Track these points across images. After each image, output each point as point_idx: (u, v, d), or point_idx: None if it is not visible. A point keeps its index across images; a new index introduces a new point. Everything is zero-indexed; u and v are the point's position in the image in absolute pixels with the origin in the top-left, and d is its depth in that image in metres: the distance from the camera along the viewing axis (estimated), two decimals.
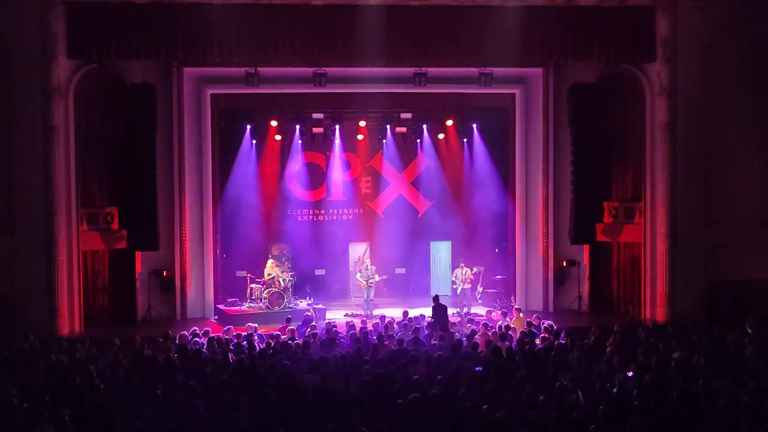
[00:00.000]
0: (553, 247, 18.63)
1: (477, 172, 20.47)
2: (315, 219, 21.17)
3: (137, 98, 17.17)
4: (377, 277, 18.55)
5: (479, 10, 16.33)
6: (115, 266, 17.60)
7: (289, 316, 15.50)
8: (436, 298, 15.32)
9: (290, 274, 18.80)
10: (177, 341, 12.94)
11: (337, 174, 21.00)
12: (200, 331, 14.02)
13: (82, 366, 11.19)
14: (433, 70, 17.43)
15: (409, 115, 20.00)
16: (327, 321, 16.20)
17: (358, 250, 20.77)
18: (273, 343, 12.74)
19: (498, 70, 17.61)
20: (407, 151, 21.21)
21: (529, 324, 14.44)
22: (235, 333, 13.76)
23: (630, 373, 10.42)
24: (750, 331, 12.77)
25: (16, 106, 15.78)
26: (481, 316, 16.18)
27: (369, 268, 18.69)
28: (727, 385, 9.52)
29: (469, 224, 20.37)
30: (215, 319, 17.95)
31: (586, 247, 18.47)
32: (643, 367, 10.60)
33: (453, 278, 18.87)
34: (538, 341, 12.88)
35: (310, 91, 17.78)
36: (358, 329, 14.10)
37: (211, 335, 13.55)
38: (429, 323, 14.53)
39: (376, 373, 10.18)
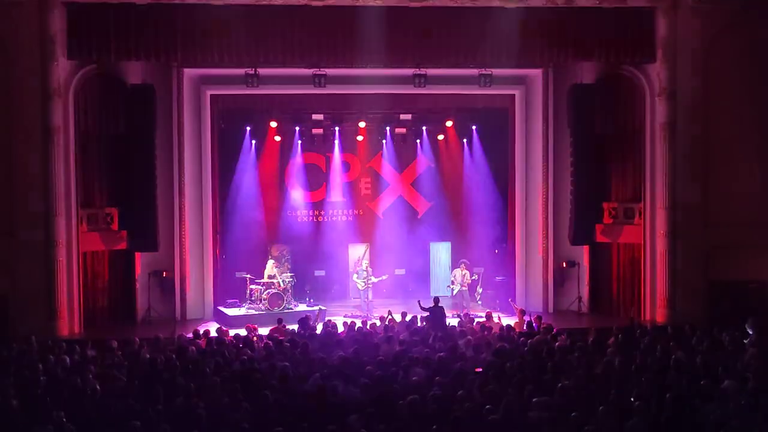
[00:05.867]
0: (552, 248, 18.62)
1: (476, 173, 20.49)
2: (315, 220, 21.18)
3: (137, 99, 17.16)
4: (374, 278, 18.55)
5: (479, 11, 16.35)
6: (114, 267, 17.62)
7: (281, 317, 15.43)
8: (436, 300, 15.29)
9: (290, 275, 18.78)
10: (176, 342, 12.91)
11: (337, 175, 21.02)
12: (200, 331, 14.01)
13: (82, 367, 11.17)
14: (432, 71, 17.42)
15: (408, 116, 20.02)
16: (326, 321, 16.18)
17: (357, 251, 20.78)
18: (272, 344, 12.71)
19: (497, 71, 17.60)
20: (407, 152, 21.24)
21: (529, 325, 14.43)
22: (234, 334, 13.74)
23: (630, 374, 10.42)
24: (750, 332, 12.78)
25: (16, 107, 15.79)
26: (481, 317, 16.15)
27: (366, 269, 18.67)
28: (726, 386, 9.52)
29: (468, 225, 20.39)
30: (215, 320, 17.92)
31: (585, 248, 18.46)
32: (642, 368, 10.60)
33: (452, 278, 18.86)
34: (538, 342, 12.85)
35: (309, 92, 17.76)
36: (357, 330, 14.08)
37: (211, 336, 13.55)
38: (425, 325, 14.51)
39: (376, 374, 10.18)
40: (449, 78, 18.03)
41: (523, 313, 15.79)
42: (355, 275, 19.02)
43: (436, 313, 14.66)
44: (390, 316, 15.28)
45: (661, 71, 16.81)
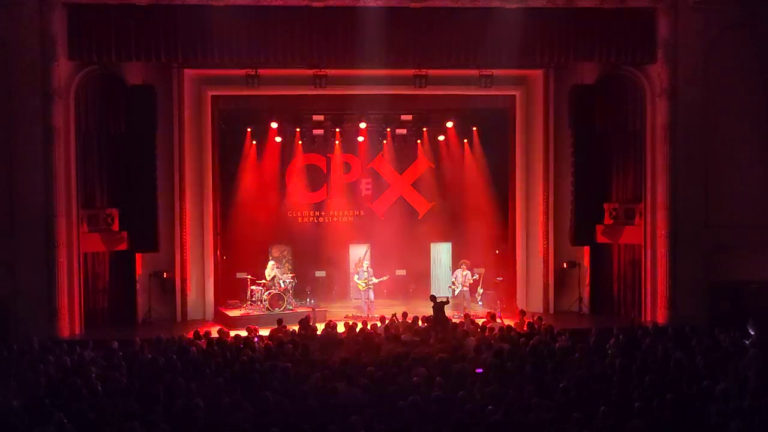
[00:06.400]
0: (553, 249, 18.62)
1: (477, 174, 20.47)
2: (315, 221, 21.18)
3: (137, 99, 17.16)
4: (375, 279, 18.54)
5: (479, 12, 16.34)
6: (115, 268, 17.61)
7: (280, 317, 15.42)
8: (432, 298, 15.29)
9: (290, 275, 18.78)
10: (177, 342, 12.90)
11: (338, 175, 21.02)
12: (201, 332, 14.02)
13: (83, 368, 11.17)
14: (433, 72, 17.43)
15: (409, 117, 20.03)
16: (327, 322, 16.18)
17: (358, 252, 20.77)
18: (273, 345, 12.70)
19: (498, 72, 17.61)
20: (407, 153, 21.24)
21: (530, 325, 14.42)
22: (235, 335, 13.73)
23: (631, 375, 10.41)
24: (752, 333, 12.77)
25: (17, 108, 15.77)
26: (482, 317, 16.17)
27: (367, 270, 18.67)
28: (727, 387, 9.51)
29: (469, 226, 20.36)
30: (216, 321, 17.91)
31: (586, 249, 18.46)
32: (643, 368, 10.59)
33: (453, 278, 18.86)
34: (538, 343, 12.83)
35: (310, 92, 17.78)
36: (358, 331, 14.07)
37: (211, 337, 13.54)
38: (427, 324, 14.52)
39: (376, 375, 10.17)
40: (450, 78, 18.04)
41: (522, 313, 15.80)
42: (356, 276, 19.02)
43: (436, 308, 14.71)
44: (393, 316, 15.30)
45: (661, 72, 16.80)
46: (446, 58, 16.81)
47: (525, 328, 14.38)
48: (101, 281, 17.37)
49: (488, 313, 16.46)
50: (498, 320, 15.26)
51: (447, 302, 15.38)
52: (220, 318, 18.00)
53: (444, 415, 8.68)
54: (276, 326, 14.41)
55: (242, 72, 17.10)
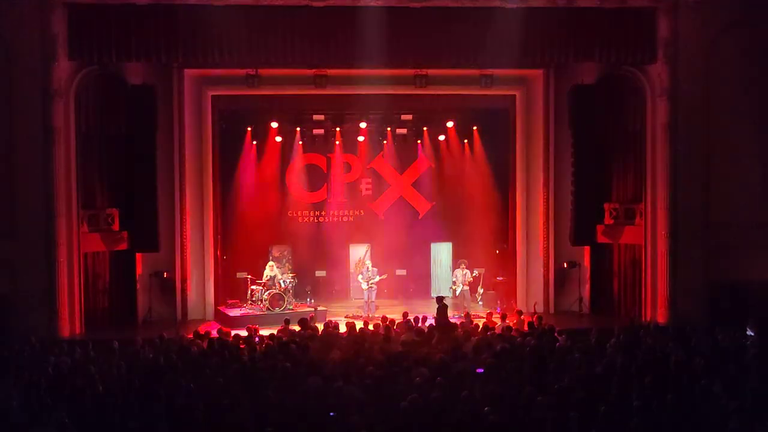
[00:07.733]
0: (553, 249, 18.61)
1: (477, 174, 20.47)
2: (316, 220, 21.19)
3: (138, 99, 17.16)
4: (378, 278, 18.55)
5: (480, 12, 16.33)
6: (115, 268, 17.62)
7: (288, 317, 15.41)
8: (439, 299, 15.29)
9: (291, 275, 18.78)
10: (177, 342, 12.91)
11: (338, 175, 21.02)
12: (201, 332, 14.02)
13: (83, 368, 11.18)
14: (433, 72, 17.43)
15: (409, 117, 20.02)
16: (327, 322, 16.18)
17: (358, 252, 20.79)
18: (273, 345, 12.71)
19: (498, 72, 17.62)
20: (408, 153, 21.23)
21: (530, 325, 14.42)
22: (234, 335, 13.74)
23: (631, 375, 10.41)
24: (752, 333, 12.77)
25: (17, 107, 15.77)
26: (482, 317, 16.19)
27: (370, 269, 18.68)
28: (727, 387, 9.51)
29: (469, 226, 20.36)
30: (216, 321, 17.92)
31: (586, 249, 18.46)
32: (643, 368, 10.60)
33: (453, 278, 18.87)
34: (539, 343, 12.84)
35: (310, 92, 17.79)
36: (359, 331, 14.08)
37: (212, 337, 13.55)
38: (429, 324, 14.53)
39: (377, 375, 10.18)
40: (450, 78, 18.05)
41: (520, 313, 15.82)
42: (359, 275, 18.99)
43: (440, 311, 14.72)
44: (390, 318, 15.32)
45: (662, 72, 16.80)
46: (446, 58, 16.81)
47: (525, 328, 14.38)
48: (101, 281, 17.38)
49: (488, 312, 16.48)
50: (498, 320, 15.23)
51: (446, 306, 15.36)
52: (220, 318, 18.01)
53: (444, 415, 8.69)
54: (282, 326, 14.40)
55: (242, 72, 17.10)
